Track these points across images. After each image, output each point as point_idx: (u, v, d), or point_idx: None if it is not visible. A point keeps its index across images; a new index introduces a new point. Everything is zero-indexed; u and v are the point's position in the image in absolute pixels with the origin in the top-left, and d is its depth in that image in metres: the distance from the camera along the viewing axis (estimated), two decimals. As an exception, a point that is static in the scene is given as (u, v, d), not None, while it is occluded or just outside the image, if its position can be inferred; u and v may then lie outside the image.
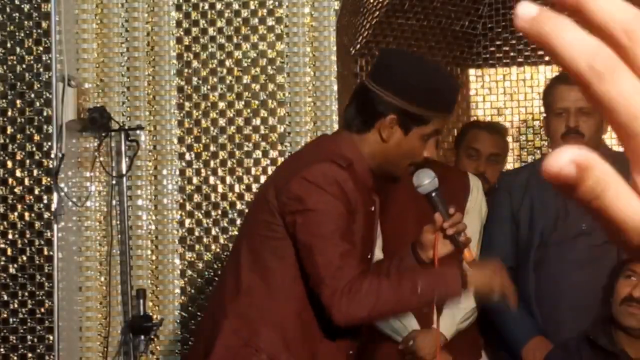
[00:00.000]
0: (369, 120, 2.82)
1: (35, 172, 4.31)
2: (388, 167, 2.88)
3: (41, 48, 4.34)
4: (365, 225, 2.84)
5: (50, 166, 4.29)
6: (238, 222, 4.41)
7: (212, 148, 4.47)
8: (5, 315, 4.30)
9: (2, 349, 4.29)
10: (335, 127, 4.27)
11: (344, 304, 2.67)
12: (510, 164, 5.47)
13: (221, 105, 4.47)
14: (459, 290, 2.75)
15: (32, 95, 4.35)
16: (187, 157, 4.48)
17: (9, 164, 4.33)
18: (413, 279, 2.73)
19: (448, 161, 5.12)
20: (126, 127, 4.44)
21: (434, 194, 2.89)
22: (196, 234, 4.47)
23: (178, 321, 4.47)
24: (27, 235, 4.31)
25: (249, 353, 2.77)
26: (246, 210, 4.38)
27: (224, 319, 2.81)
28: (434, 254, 2.86)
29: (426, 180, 2.89)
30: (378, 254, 3.23)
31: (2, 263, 4.31)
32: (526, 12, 0.54)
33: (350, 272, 2.69)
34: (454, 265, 2.79)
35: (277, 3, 4.44)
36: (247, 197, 4.41)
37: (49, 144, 4.30)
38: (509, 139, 5.54)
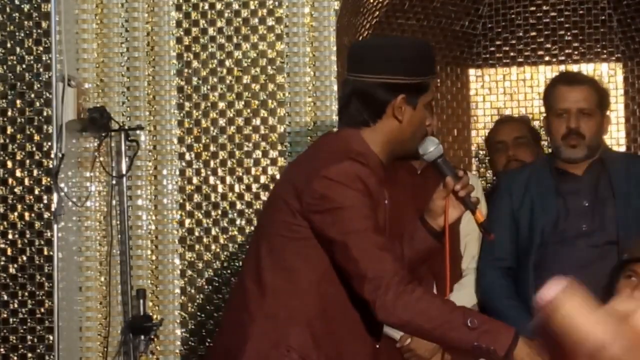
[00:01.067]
0: (379, 109, 2.82)
1: (35, 172, 4.31)
2: (405, 147, 2.89)
3: (41, 48, 4.34)
4: (383, 218, 2.85)
5: (50, 166, 4.29)
6: (238, 222, 4.41)
7: (212, 148, 4.46)
8: (5, 315, 4.30)
9: (2, 349, 4.29)
10: (335, 127, 4.26)
11: (390, 299, 2.64)
12: (510, 164, 5.46)
13: (221, 105, 4.47)
14: (503, 350, 2.63)
15: (32, 96, 4.34)
16: (187, 157, 4.48)
17: (9, 164, 4.33)
18: (467, 312, 2.70)
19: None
20: (126, 127, 4.44)
21: (439, 160, 2.92)
22: (196, 234, 4.47)
23: (178, 321, 4.47)
24: (27, 235, 4.31)
25: (280, 354, 2.75)
26: (246, 210, 4.39)
27: (252, 323, 2.78)
28: (445, 219, 2.87)
29: (431, 147, 2.91)
30: None
31: (2, 263, 4.31)
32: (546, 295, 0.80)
33: (390, 265, 2.67)
34: (511, 330, 2.69)
35: (277, 3, 4.44)
36: (247, 197, 4.41)
37: (49, 144, 4.30)
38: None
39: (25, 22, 4.36)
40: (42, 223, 4.31)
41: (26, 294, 4.29)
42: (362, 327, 2.82)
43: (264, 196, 4.33)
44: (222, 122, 4.47)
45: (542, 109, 4.22)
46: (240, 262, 4.30)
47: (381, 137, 2.84)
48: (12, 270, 4.31)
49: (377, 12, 4.98)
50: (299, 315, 2.77)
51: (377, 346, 2.90)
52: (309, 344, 2.76)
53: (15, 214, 4.32)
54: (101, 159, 4.49)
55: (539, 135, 4.97)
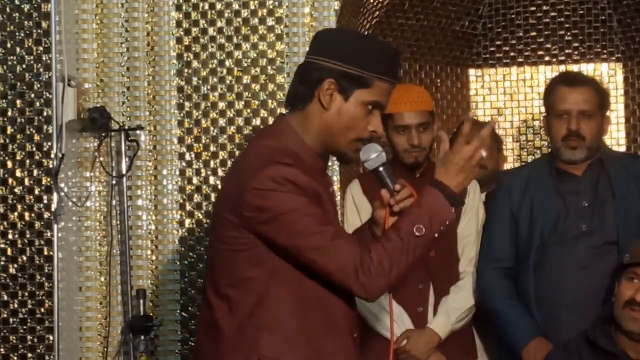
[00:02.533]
0: (309, 89, 2.76)
1: (35, 172, 4.32)
2: (333, 142, 2.79)
3: (41, 48, 4.35)
4: (329, 207, 2.81)
5: (50, 166, 4.29)
6: (238, 222, 4.41)
7: (212, 148, 4.47)
8: (5, 315, 4.30)
9: (2, 349, 4.29)
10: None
11: (364, 282, 2.65)
12: (510, 164, 5.47)
13: (221, 105, 4.47)
14: (451, 211, 2.69)
15: (32, 96, 4.35)
16: (187, 157, 4.49)
17: (9, 164, 4.34)
18: (409, 224, 2.69)
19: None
20: (126, 127, 4.44)
21: (381, 169, 2.79)
22: (196, 234, 4.47)
23: (178, 321, 4.47)
24: (27, 236, 4.32)
25: None
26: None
27: (223, 338, 2.77)
28: (383, 231, 2.81)
29: (373, 154, 2.78)
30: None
31: (2, 263, 4.31)
32: None
33: (348, 250, 2.66)
34: (432, 191, 2.71)
35: (277, 3, 4.44)
36: (247, 197, 4.41)
37: (49, 144, 4.31)
38: (509, 139, 5.56)
39: (25, 22, 4.36)
40: (42, 223, 4.31)
41: (26, 294, 4.30)
42: (336, 319, 2.80)
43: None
44: (222, 122, 4.47)
45: (542, 109, 4.22)
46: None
47: (310, 125, 2.77)
48: (12, 270, 4.31)
49: (377, 12, 4.99)
50: (266, 321, 2.75)
51: (355, 335, 2.89)
52: (282, 346, 2.74)
53: (15, 214, 4.33)
54: (101, 159, 4.49)
55: (501, 141, 4.95)
